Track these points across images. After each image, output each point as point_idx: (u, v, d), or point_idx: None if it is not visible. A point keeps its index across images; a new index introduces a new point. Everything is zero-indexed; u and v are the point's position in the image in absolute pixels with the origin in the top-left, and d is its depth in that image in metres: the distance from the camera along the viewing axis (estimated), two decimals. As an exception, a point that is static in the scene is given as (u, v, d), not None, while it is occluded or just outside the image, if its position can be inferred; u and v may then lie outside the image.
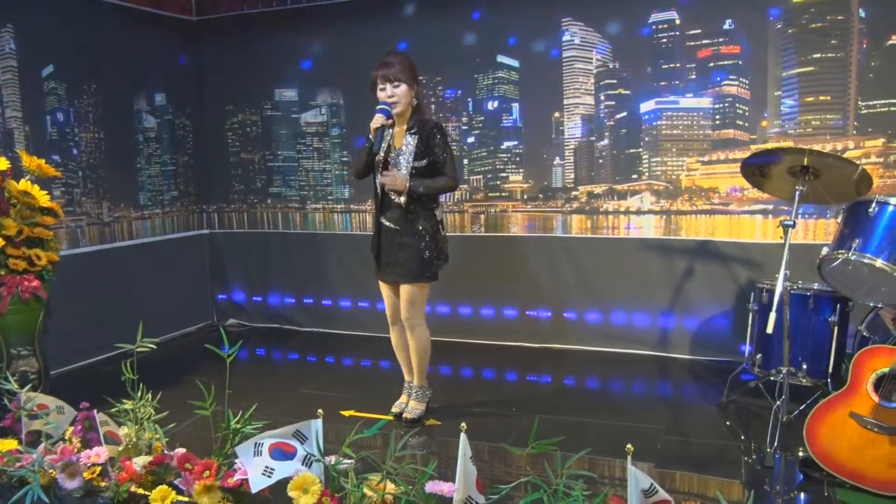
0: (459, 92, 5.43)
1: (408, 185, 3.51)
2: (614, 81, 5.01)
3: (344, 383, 4.67)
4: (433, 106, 5.38)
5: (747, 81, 4.66)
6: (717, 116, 4.78)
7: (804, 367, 3.71)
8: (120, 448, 2.51)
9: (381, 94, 3.54)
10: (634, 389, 4.53)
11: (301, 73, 5.85)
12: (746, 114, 4.70)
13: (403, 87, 3.51)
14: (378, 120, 3.47)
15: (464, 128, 5.46)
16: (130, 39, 5.47)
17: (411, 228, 3.58)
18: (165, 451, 2.50)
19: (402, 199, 3.56)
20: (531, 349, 5.30)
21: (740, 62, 4.66)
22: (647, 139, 4.98)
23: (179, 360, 5.11)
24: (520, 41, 5.19)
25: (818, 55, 4.45)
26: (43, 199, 3.71)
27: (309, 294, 6.05)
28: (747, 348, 4.09)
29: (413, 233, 3.58)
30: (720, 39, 4.69)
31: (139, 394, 2.54)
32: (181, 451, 2.43)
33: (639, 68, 4.92)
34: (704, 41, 4.73)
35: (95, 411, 2.54)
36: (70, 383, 4.60)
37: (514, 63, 5.24)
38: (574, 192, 5.22)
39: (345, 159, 5.82)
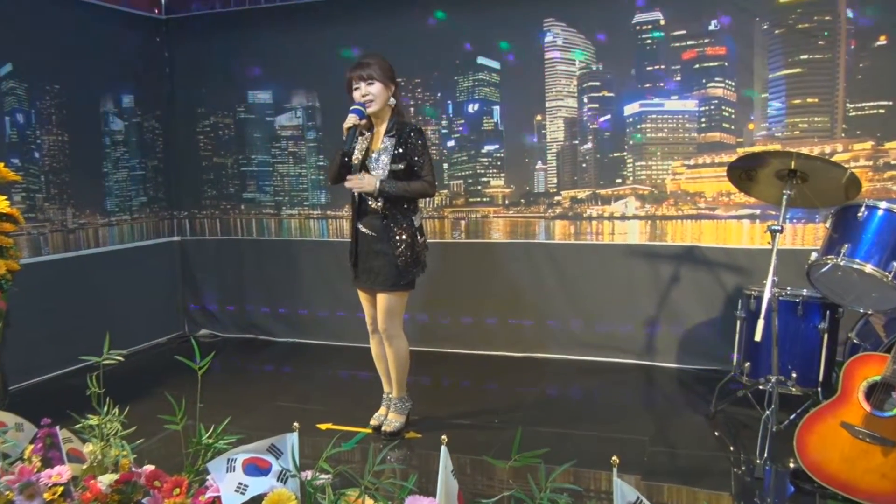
0: (439, 95, 5.42)
1: (378, 185, 3.48)
2: (598, 83, 5.02)
3: (321, 395, 4.64)
4: (412, 109, 5.36)
5: (733, 83, 4.69)
6: (703, 119, 4.79)
7: (794, 375, 3.72)
8: (84, 466, 2.45)
9: (355, 94, 3.53)
10: (620, 399, 4.51)
11: (275, 74, 5.82)
12: (733, 116, 4.72)
13: (378, 85, 3.50)
14: (351, 119, 3.46)
15: (443, 131, 5.45)
16: (96, 38, 5.39)
17: (388, 235, 3.56)
18: (133, 469, 2.44)
19: (379, 204, 3.55)
20: (513, 358, 5.28)
21: (726, 63, 4.68)
22: (631, 143, 4.99)
23: (149, 373, 5.05)
24: (501, 42, 5.18)
25: (805, 56, 4.48)
26: (2, 204, 3.63)
27: (284, 303, 6.01)
28: (735, 357, 4.09)
29: (389, 240, 3.56)
30: (706, 40, 4.71)
31: (105, 409, 2.47)
32: (150, 468, 2.37)
33: (623, 70, 4.94)
34: (690, 42, 4.75)
35: (58, 428, 2.47)
36: (31, 398, 4.52)
37: (495, 65, 5.23)
38: (557, 198, 5.22)
39: (321, 163, 5.79)
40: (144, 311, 5.82)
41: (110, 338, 2.56)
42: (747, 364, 3.89)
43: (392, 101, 3.59)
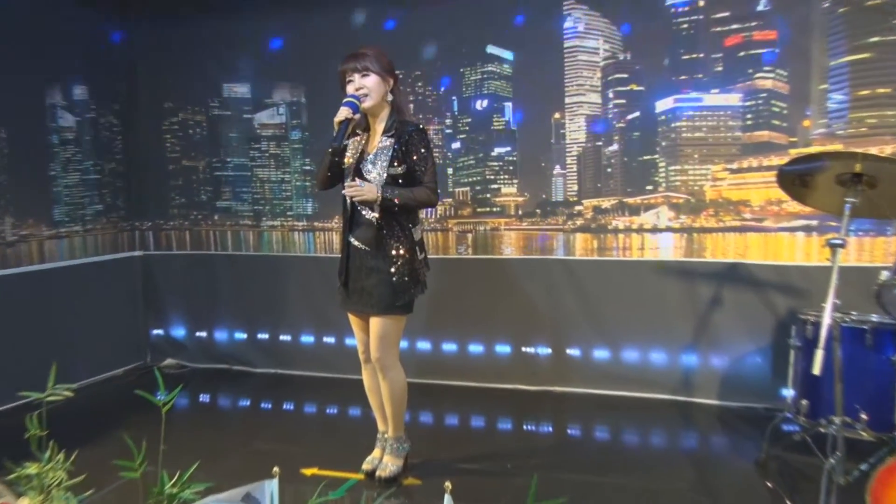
0: (443, 89, 5.44)
1: (380, 195, 3.44)
2: (625, 76, 5.04)
3: (305, 435, 4.62)
4: (411, 105, 5.37)
5: (786, 73, 4.66)
6: (749, 116, 4.77)
7: (863, 417, 3.62)
8: (19, 525, 2.36)
9: (349, 88, 3.55)
10: (652, 442, 4.49)
11: (255, 64, 5.83)
12: (785, 112, 4.69)
13: (374, 78, 3.52)
14: (343, 113, 3.44)
15: (448, 131, 5.46)
16: (41, 17, 5.32)
17: (383, 250, 3.56)
18: (81, 526, 2.35)
19: (374, 214, 3.54)
20: (528, 393, 5.27)
21: (777, 50, 4.66)
22: (664, 144, 4.98)
23: (103, 411, 5.00)
24: (514, 29, 5.19)
25: (875, 39, 4.43)
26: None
27: (264, 328, 6.01)
28: (789, 393, 4.00)
29: (385, 255, 3.56)
30: (753, 23, 4.69)
31: (48, 454, 2.39)
32: (101, 525, 2.28)
33: (654, 60, 4.94)
34: (734, 26, 4.74)
35: (-13, 478, 2.40)
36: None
37: (507, 55, 5.25)
38: (578, 207, 5.23)
39: (307, 168, 5.80)
40: (99, 338, 5.77)
41: (57, 370, 2.51)
42: (804, 402, 3.80)
43: (390, 96, 3.60)
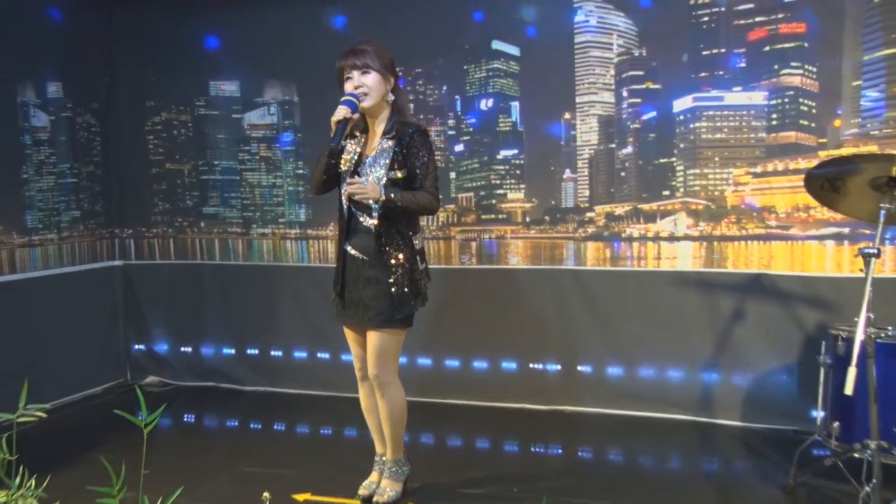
0: (445, 88, 5.43)
1: (383, 195, 3.42)
2: (640, 73, 5.02)
3: (297, 458, 4.59)
4: (411, 105, 5.30)
5: (815, 69, 4.63)
6: (775, 115, 4.75)
7: (902, 440, 3.59)
8: (-12, 556, 2.32)
9: (347, 86, 3.53)
10: (670, 465, 4.47)
11: (244, 60, 5.81)
12: (813, 111, 4.67)
13: (375, 76, 3.51)
14: (341, 112, 3.43)
15: (450, 132, 5.45)
16: (12, 9, 5.27)
17: (381, 259, 3.54)
18: (54, 558, 2.31)
19: (373, 221, 3.53)
20: (536, 412, 5.26)
21: (806, 44, 4.64)
22: (682, 146, 4.96)
23: (79, 432, 4.99)
24: (521, 23, 5.18)
25: (915, 31, 4.45)
26: None
27: (253, 343, 5.99)
28: (819, 414, 3.97)
29: (383, 265, 3.54)
30: (779, 15, 4.67)
31: (18, 479, 2.36)
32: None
33: (672, 56, 4.93)
34: (758, 18, 4.72)
35: (-48, 506, 2.36)
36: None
37: (514, 51, 5.24)
38: (589, 214, 5.22)
39: (300, 171, 5.78)
40: (75, 354, 5.74)
41: (29, 388, 2.47)
42: (836, 424, 3.78)
43: (390, 96, 3.58)
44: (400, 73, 3.74)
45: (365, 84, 3.48)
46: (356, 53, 3.50)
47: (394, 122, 3.55)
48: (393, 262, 3.52)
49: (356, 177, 3.51)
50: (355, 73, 3.49)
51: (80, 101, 5.90)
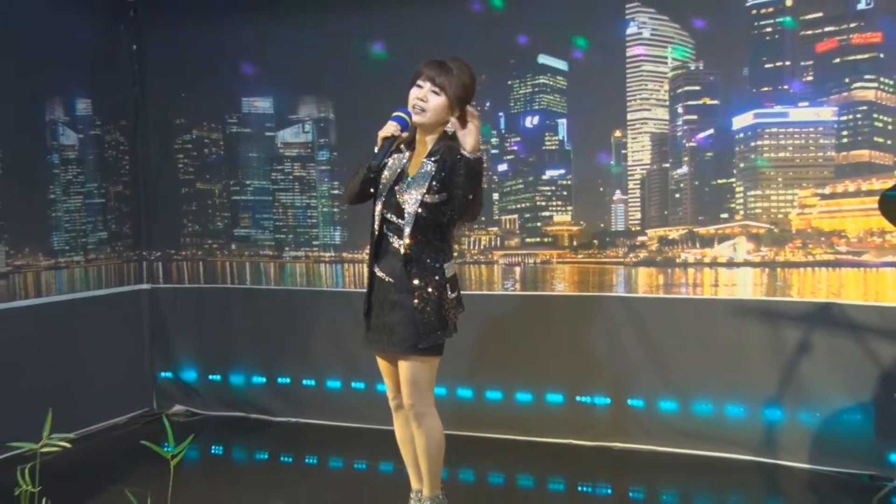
0: (488, 104, 5.42)
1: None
2: (697, 88, 5.00)
3: (330, 492, 4.64)
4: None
5: (891, 82, 4.56)
6: (846, 132, 4.68)
7: None
8: (10, 592, 2.31)
9: (412, 92, 3.51)
10: None
11: (278, 76, 5.86)
12: (889, 128, 4.58)
13: (442, 100, 3.45)
14: (390, 128, 3.45)
15: (493, 151, 5.45)
16: (41, 25, 5.36)
17: (408, 283, 3.52)
18: None
19: (404, 241, 3.49)
20: (583, 448, 5.20)
21: (882, 55, 4.56)
22: (742, 165, 4.92)
23: (103, 463, 5.03)
24: (569, 36, 5.16)
25: None
26: None
27: (285, 371, 5.99)
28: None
29: (409, 290, 3.51)
30: (851, 24, 4.59)
31: None
32: None
33: (732, 69, 4.90)
34: (828, 28, 4.66)
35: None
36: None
37: (562, 65, 5.23)
38: (641, 238, 5.20)
39: (335, 192, 5.80)
40: (100, 381, 5.76)
41: (53, 417, 2.49)
42: (917, 467, 3.68)
43: (450, 127, 3.49)
44: (476, 110, 3.62)
45: (428, 101, 3.45)
46: (441, 68, 3.46)
47: (443, 145, 3.50)
48: (421, 284, 3.48)
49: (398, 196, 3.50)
50: (427, 85, 3.46)
51: (109, 118, 5.96)
